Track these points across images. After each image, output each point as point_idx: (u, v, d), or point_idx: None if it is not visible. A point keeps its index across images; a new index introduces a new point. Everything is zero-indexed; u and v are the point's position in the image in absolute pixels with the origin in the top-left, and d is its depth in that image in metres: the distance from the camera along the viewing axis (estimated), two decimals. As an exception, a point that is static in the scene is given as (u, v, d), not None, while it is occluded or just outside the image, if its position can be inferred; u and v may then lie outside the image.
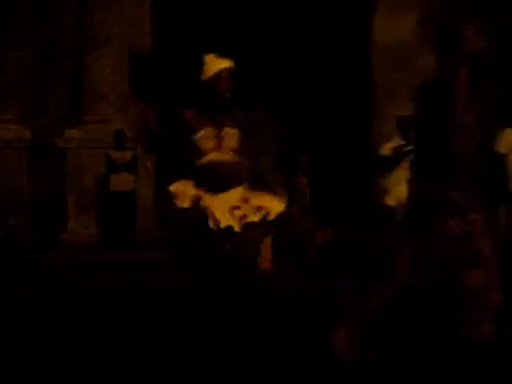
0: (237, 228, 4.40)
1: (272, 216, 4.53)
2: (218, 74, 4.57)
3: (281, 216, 4.60)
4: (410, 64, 9.93)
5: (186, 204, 4.47)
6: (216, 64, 4.63)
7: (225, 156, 4.60)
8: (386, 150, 7.72)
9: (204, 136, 4.54)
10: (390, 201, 7.54)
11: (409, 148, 7.30)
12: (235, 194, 4.52)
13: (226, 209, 4.43)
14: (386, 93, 10.31)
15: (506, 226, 7.81)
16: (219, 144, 4.59)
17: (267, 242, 4.84)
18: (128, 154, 10.35)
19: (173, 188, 4.54)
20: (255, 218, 4.46)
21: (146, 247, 9.29)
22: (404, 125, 7.55)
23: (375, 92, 10.66)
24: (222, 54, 4.69)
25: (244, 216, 4.44)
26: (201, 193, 4.50)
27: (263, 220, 4.51)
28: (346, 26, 10.57)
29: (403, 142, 7.57)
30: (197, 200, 4.48)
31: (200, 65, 4.65)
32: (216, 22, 10.26)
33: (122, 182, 10.30)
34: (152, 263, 8.17)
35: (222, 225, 4.38)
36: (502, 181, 7.41)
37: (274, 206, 4.57)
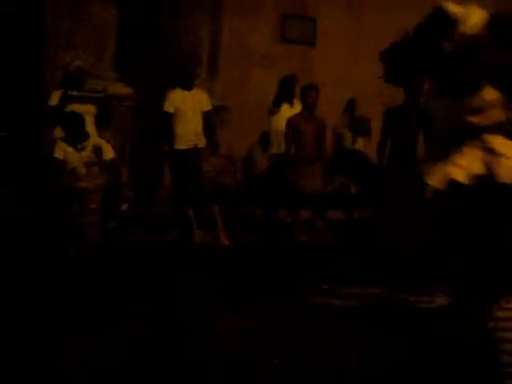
0: None
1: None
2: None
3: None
4: (85, 13, 9.82)
5: None
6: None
7: None
8: (54, 100, 7.42)
9: None
10: None
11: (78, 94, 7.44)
12: None
13: None
14: (59, 41, 9.77)
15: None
16: None
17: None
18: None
19: None
20: None
21: None
22: (75, 73, 7.49)
23: (48, 40, 9.93)
24: None
25: None
26: None
27: None
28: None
29: (70, 92, 7.43)
30: None
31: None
32: None
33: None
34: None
35: None
36: (168, 139, 7.47)
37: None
